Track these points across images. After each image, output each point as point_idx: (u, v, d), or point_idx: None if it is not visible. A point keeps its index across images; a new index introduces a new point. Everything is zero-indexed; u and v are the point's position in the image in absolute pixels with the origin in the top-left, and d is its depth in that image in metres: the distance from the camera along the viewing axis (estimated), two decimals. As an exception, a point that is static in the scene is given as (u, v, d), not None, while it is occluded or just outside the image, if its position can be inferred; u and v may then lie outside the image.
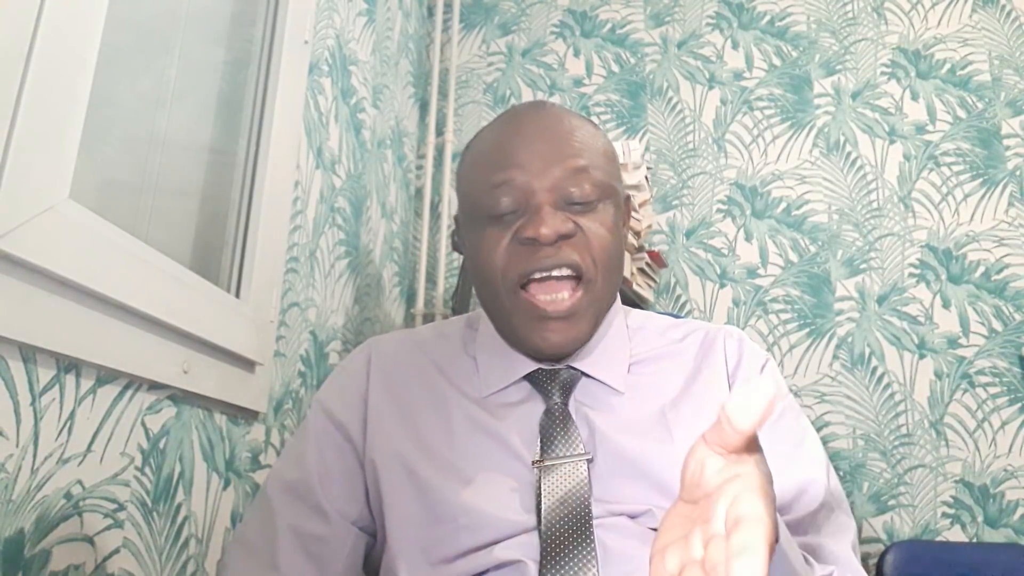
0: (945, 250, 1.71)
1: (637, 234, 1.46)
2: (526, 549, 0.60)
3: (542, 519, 0.61)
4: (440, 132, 2.00)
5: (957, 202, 1.73)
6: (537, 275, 0.67)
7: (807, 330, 1.72)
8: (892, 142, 1.80)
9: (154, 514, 0.81)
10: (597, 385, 0.71)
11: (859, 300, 1.71)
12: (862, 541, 1.56)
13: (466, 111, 2.03)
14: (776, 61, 1.91)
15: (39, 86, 0.61)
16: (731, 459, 0.40)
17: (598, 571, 0.58)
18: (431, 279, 1.92)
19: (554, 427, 0.66)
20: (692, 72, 1.95)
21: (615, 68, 1.99)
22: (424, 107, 2.03)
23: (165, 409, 0.84)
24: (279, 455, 0.84)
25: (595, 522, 0.61)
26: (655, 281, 1.64)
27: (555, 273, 0.67)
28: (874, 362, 1.67)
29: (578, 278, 0.68)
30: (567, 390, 0.70)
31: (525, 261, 0.67)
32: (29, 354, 0.63)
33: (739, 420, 0.38)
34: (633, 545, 0.60)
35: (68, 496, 0.68)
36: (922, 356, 1.66)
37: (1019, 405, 1.59)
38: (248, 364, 1.01)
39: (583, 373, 0.71)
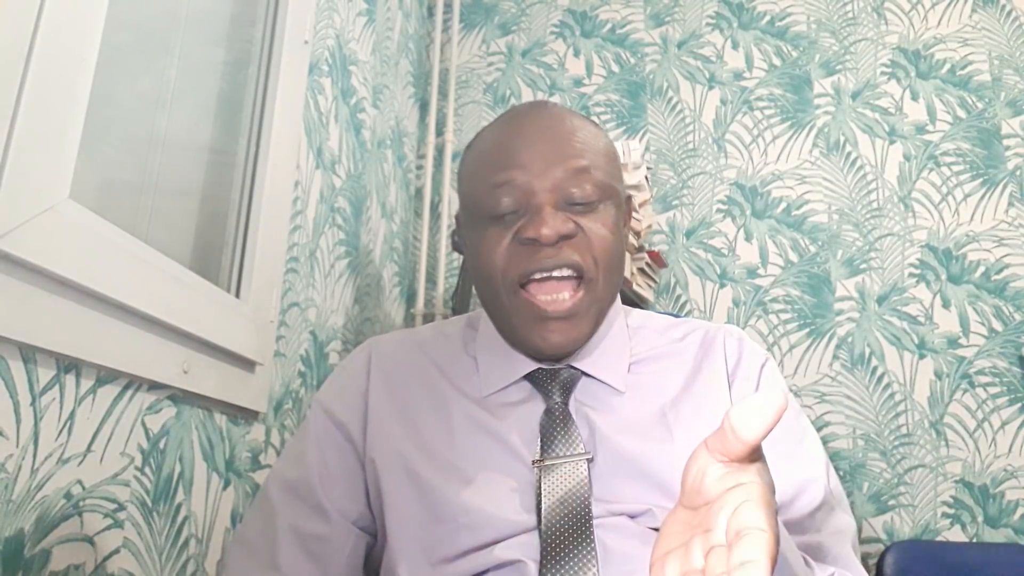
0: (945, 250, 1.71)
1: (637, 234, 1.46)
2: (526, 549, 0.60)
3: (542, 519, 0.61)
4: (440, 132, 2.00)
5: (957, 202, 1.74)
6: (538, 275, 0.67)
7: (807, 330, 1.72)
8: (892, 142, 1.80)
9: (154, 514, 0.81)
10: (597, 385, 0.71)
11: (859, 300, 1.71)
12: (862, 541, 1.56)
13: (466, 111, 2.03)
14: (776, 61, 1.91)
15: (39, 86, 0.61)
16: (732, 467, 0.39)
17: (598, 571, 0.58)
18: (431, 279, 1.92)
19: (554, 427, 0.66)
20: (692, 72, 1.95)
21: (615, 68, 1.99)
22: (424, 107, 2.03)
23: (165, 409, 0.84)
24: (279, 455, 0.84)
25: (595, 522, 0.61)
26: (655, 281, 1.64)
27: (556, 273, 0.67)
28: (874, 362, 1.67)
29: (579, 278, 0.68)
30: (567, 390, 0.70)
31: (526, 261, 0.67)
32: (29, 354, 0.63)
33: (743, 430, 0.37)
34: (633, 545, 0.60)
35: (68, 496, 0.68)
36: (922, 356, 1.66)
37: (1019, 405, 1.59)
38: (248, 364, 1.01)
39: (583, 373, 0.71)
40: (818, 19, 1.92)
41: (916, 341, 1.67)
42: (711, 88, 1.93)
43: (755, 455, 0.40)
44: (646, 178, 1.47)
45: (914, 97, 1.82)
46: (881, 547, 1.51)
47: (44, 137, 0.62)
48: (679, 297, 1.80)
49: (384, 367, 0.75)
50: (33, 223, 0.60)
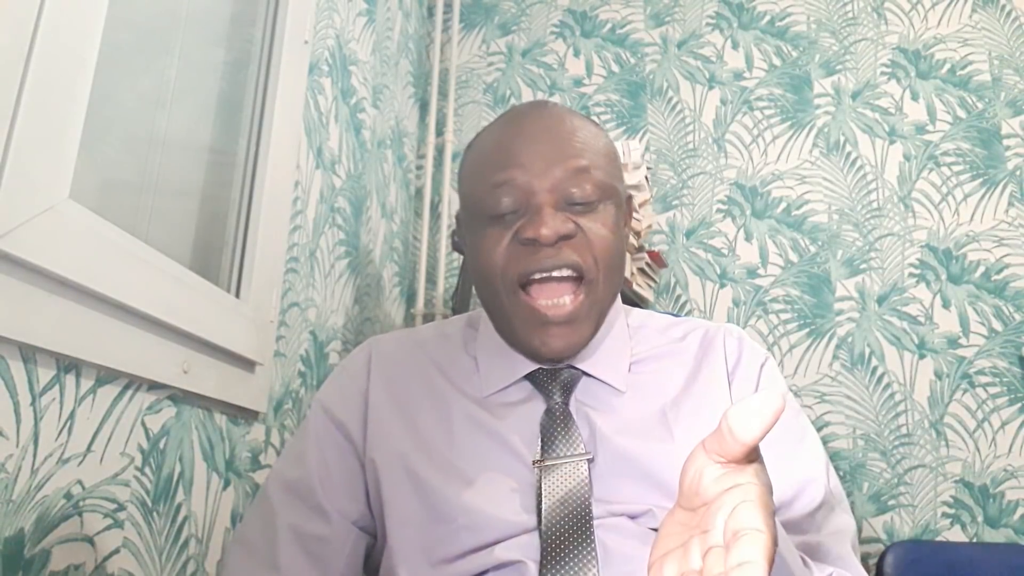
0: (945, 250, 1.71)
1: (637, 234, 1.46)
2: (526, 549, 0.60)
3: (542, 519, 0.61)
4: (440, 132, 2.00)
5: (957, 202, 1.74)
6: (537, 275, 0.66)
7: (807, 330, 1.72)
8: (892, 142, 1.80)
9: (154, 514, 0.81)
10: (598, 384, 0.71)
11: (859, 300, 1.71)
12: (862, 541, 1.56)
13: (466, 111, 2.03)
14: (776, 61, 1.91)
15: (39, 86, 0.61)
16: (730, 468, 0.39)
17: (598, 571, 0.58)
18: (431, 279, 1.92)
19: (555, 427, 0.66)
20: (692, 72, 1.95)
21: (615, 68, 1.99)
22: (424, 107, 2.03)
23: (165, 409, 0.84)
24: (279, 455, 0.84)
25: (595, 522, 0.61)
26: (655, 281, 1.64)
27: (555, 274, 0.66)
28: (874, 362, 1.67)
29: (579, 279, 0.67)
30: (568, 390, 0.70)
31: (525, 261, 0.67)
32: (29, 354, 0.63)
33: (741, 432, 0.37)
34: (633, 545, 0.60)
35: (68, 496, 0.68)
36: (922, 356, 1.66)
37: (1019, 405, 1.59)
38: (248, 364, 1.01)
39: (584, 372, 0.71)
40: (818, 19, 1.92)
41: (916, 341, 1.67)
42: (711, 88, 1.93)
43: (753, 456, 0.40)
44: (646, 178, 1.47)
45: (914, 97, 1.82)
46: (881, 547, 1.51)
47: (44, 137, 0.62)
48: (679, 297, 1.80)
49: (384, 367, 0.75)
50: (33, 223, 0.60)
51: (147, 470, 0.80)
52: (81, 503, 0.69)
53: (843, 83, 1.86)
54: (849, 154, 1.81)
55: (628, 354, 0.74)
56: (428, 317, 1.88)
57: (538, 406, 0.69)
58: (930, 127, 1.79)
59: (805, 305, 1.73)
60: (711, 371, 0.72)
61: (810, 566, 0.59)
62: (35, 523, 0.63)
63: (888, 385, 1.65)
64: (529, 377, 0.71)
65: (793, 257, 1.77)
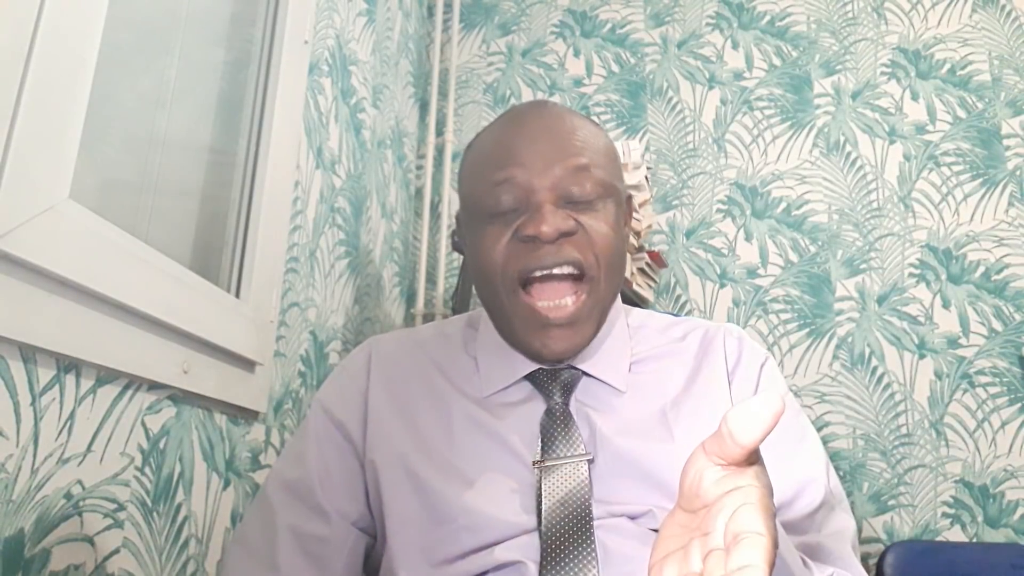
0: (945, 250, 1.71)
1: (637, 234, 1.46)
2: (526, 550, 0.60)
3: (542, 520, 0.61)
4: (440, 132, 2.00)
5: (957, 202, 1.74)
6: (538, 273, 0.66)
7: (807, 330, 1.72)
8: (892, 142, 1.80)
9: (154, 514, 0.81)
10: (598, 385, 0.71)
11: (859, 300, 1.71)
12: (862, 541, 1.56)
13: (466, 111, 2.03)
14: (776, 61, 1.91)
15: (39, 86, 0.61)
16: (730, 470, 0.39)
17: (598, 572, 0.58)
18: (431, 279, 1.92)
19: (555, 427, 0.66)
20: (692, 72, 1.95)
21: (615, 68, 1.99)
22: (424, 107, 2.03)
23: (165, 409, 0.84)
24: (279, 455, 0.84)
25: (596, 523, 0.61)
26: (655, 281, 1.64)
27: (556, 271, 0.66)
28: (874, 362, 1.67)
29: (580, 276, 0.67)
30: (568, 390, 0.70)
31: (526, 259, 0.66)
32: (29, 354, 0.63)
33: (741, 434, 0.37)
34: (633, 546, 0.60)
35: (68, 496, 0.67)
36: (922, 356, 1.66)
37: (1019, 405, 1.59)
38: (248, 364, 1.01)
39: (584, 373, 0.71)
40: (818, 19, 1.92)
41: (916, 341, 1.67)
42: (711, 88, 1.93)
43: (753, 458, 0.40)
44: (646, 178, 1.47)
45: (914, 97, 1.82)
46: (881, 547, 1.51)
47: (44, 137, 0.62)
48: (679, 297, 1.80)
49: (384, 367, 0.75)
50: (33, 223, 0.60)
51: (147, 470, 0.80)
52: (81, 503, 0.69)
53: (843, 83, 1.86)
54: (849, 154, 1.81)
55: (628, 354, 0.74)
56: (428, 317, 1.88)
57: (538, 406, 0.69)
58: (930, 127, 1.79)
59: (805, 305, 1.73)
60: (711, 371, 0.72)
61: (810, 566, 0.59)
62: (35, 523, 0.63)
63: (888, 385, 1.65)
64: (529, 377, 0.71)
65: (793, 257, 1.77)
